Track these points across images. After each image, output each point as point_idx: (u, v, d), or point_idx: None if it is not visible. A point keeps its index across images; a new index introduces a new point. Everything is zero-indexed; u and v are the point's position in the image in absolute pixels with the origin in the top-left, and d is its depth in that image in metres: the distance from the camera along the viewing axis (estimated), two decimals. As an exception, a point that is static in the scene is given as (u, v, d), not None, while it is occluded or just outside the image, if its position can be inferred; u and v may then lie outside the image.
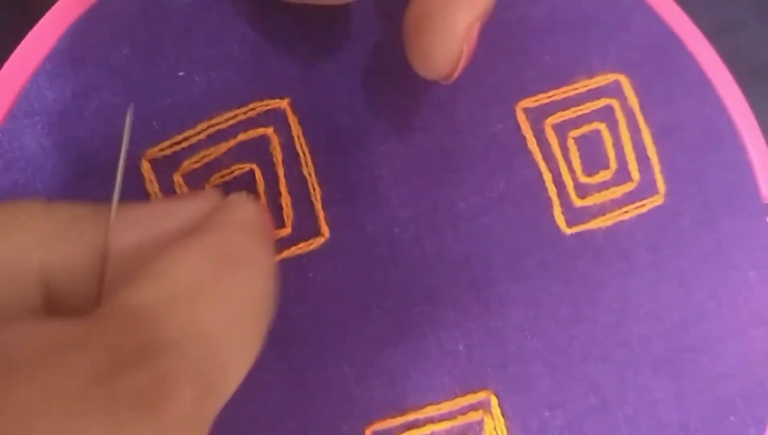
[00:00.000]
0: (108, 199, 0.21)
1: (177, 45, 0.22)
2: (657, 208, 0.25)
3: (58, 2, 0.22)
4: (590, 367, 0.24)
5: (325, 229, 0.22)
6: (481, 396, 0.23)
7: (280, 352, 0.22)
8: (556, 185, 0.24)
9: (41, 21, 0.22)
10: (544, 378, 0.23)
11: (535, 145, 0.24)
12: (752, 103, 0.26)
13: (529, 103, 0.24)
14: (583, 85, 0.25)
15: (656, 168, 0.25)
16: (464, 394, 0.23)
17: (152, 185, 0.21)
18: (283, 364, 0.22)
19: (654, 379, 0.24)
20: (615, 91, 0.25)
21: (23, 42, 0.22)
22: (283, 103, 0.22)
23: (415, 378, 0.23)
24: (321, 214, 0.22)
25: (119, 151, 0.17)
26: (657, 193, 0.25)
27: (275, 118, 0.22)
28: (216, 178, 0.22)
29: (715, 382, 0.24)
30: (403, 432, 0.22)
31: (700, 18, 0.24)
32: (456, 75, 0.20)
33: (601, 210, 0.24)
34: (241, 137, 0.22)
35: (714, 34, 0.25)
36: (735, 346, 0.24)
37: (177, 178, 0.22)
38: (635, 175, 0.25)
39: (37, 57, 0.22)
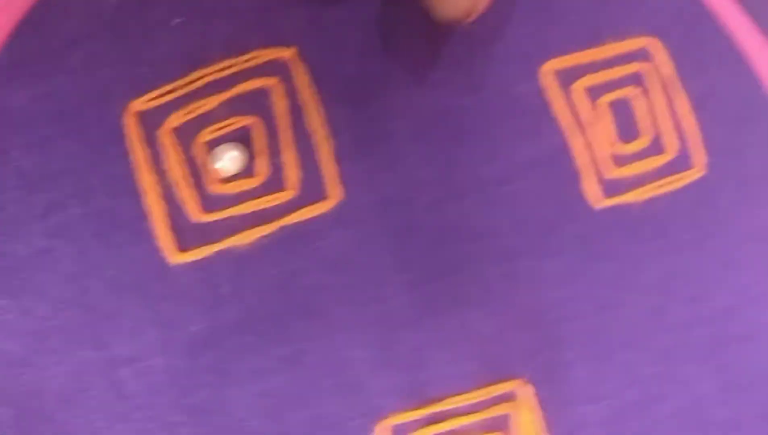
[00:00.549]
0: (89, 158, 0.19)
1: None
2: (695, 182, 0.23)
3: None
4: (630, 355, 0.21)
5: (334, 191, 0.20)
6: (511, 385, 0.20)
7: (280, 332, 0.19)
8: (586, 154, 0.22)
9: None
10: (579, 367, 0.21)
11: (564, 110, 0.22)
12: None
13: (555, 64, 0.22)
14: (612, 48, 0.23)
15: (696, 139, 0.23)
16: (491, 383, 0.20)
17: (135, 139, 0.19)
18: (284, 347, 0.19)
19: (699, 371, 0.22)
20: (647, 55, 0.23)
21: None
22: (288, 52, 0.20)
23: (436, 364, 0.20)
24: (330, 172, 0.20)
25: None
26: (695, 166, 0.23)
27: (279, 68, 0.20)
28: (208, 133, 0.19)
29: (763, 376, 0.22)
30: (422, 427, 0.20)
31: None
32: (476, 13, 0.18)
33: (636, 182, 0.22)
34: (240, 88, 0.20)
35: None
36: None
37: (163, 132, 0.19)
38: (672, 145, 0.23)
39: (23, 7, 0.20)
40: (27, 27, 0.20)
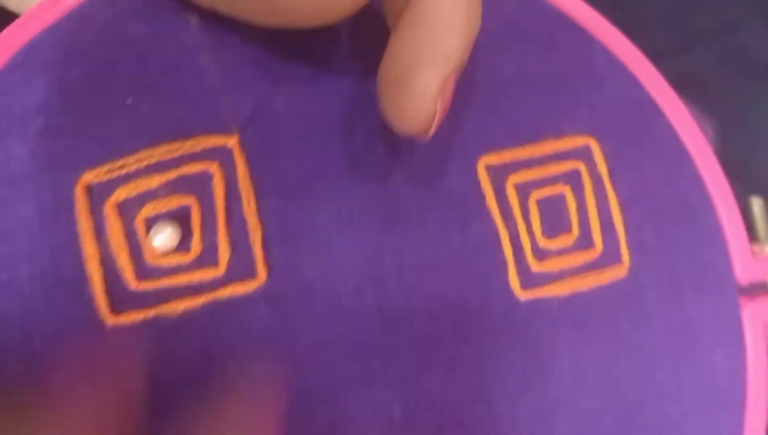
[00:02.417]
0: (39, 222, 0.20)
1: (130, 72, 0.22)
2: (620, 279, 0.23)
3: (17, 20, 0.22)
4: (535, 443, 0.22)
5: (262, 272, 0.21)
6: (412, 466, 0.21)
7: (200, 396, 0.21)
8: (513, 246, 0.23)
9: (-2, 36, 0.22)
10: (483, 452, 0.22)
11: (495, 203, 0.23)
12: (752, 103, 0.25)
13: (492, 159, 0.23)
14: (550, 146, 0.24)
15: (622, 237, 0.24)
16: (395, 461, 0.21)
17: (82, 211, 0.21)
18: (199, 410, 0.21)
19: (603, 460, 0.23)
20: (583, 154, 0.24)
21: None
22: (231, 141, 0.21)
23: (344, 437, 0.21)
24: (258, 256, 0.21)
25: None
26: (620, 263, 0.24)
27: (221, 154, 0.22)
28: (149, 209, 0.21)
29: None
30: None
31: (701, 18, 0.24)
32: (432, 132, 0.20)
33: (560, 276, 0.23)
34: (183, 170, 0.21)
35: (714, 34, 0.24)
36: (694, 430, 0.23)
37: (108, 205, 0.21)
38: (598, 243, 0.24)
39: None
40: None
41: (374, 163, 0.22)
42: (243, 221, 0.21)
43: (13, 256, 0.20)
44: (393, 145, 0.23)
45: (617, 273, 0.23)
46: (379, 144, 0.23)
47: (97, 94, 0.21)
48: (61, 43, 0.22)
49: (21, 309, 0.20)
